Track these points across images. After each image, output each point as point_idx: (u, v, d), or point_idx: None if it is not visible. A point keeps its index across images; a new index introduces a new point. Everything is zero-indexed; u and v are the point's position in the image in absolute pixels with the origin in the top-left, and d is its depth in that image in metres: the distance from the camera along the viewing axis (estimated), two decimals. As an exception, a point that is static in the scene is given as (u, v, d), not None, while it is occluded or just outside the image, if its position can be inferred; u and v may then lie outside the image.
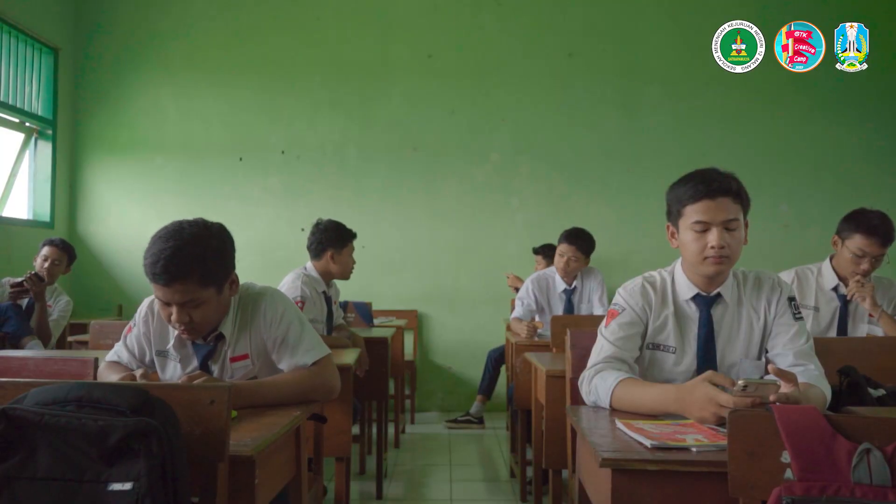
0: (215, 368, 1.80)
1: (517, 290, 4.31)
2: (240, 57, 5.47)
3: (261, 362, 1.84)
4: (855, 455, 1.07)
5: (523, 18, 5.49)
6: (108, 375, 1.83)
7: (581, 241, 3.84)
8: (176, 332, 1.78)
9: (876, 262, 2.70)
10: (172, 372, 1.84)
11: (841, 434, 1.10)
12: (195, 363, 1.81)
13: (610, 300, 2.13)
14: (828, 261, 2.85)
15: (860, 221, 2.69)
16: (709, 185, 1.64)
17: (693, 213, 1.65)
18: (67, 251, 3.93)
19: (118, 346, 1.91)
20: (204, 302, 1.66)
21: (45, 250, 3.87)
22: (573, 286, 3.94)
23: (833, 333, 2.78)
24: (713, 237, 1.63)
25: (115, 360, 1.89)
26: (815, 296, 2.81)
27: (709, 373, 1.45)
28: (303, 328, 1.84)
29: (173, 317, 1.66)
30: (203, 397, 1.24)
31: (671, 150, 5.35)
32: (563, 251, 3.83)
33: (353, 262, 3.31)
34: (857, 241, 2.68)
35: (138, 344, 1.88)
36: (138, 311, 1.90)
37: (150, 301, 1.87)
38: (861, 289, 2.68)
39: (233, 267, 1.74)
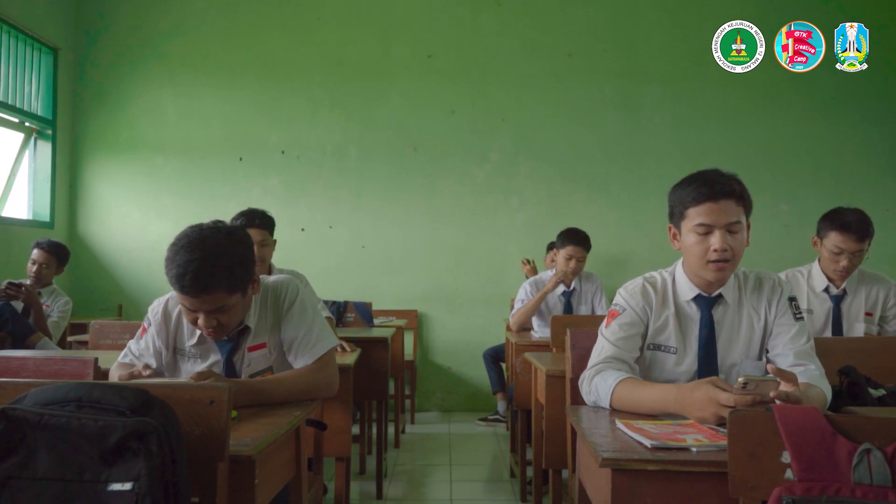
0: (237, 360, 1.81)
1: (527, 277, 4.45)
2: (240, 57, 5.47)
3: (277, 352, 1.85)
4: (855, 455, 1.07)
5: (523, 19, 5.49)
6: (117, 377, 1.79)
7: (587, 241, 3.86)
8: (197, 332, 1.78)
9: (854, 259, 2.69)
10: (191, 368, 1.81)
11: (841, 434, 1.10)
12: (217, 357, 1.80)
13: (610, 301, 2.13)
14: (816, 262, 2.86)
15: (834, 219, 2.71)
16: (711, 187, 1.64)
17: (696, 215, 1.65)
18: (56, 253, 3.84)
19: (131, 344, 1.88)
20: (231, 307, 1.67)
21: (34, 253, 3.81)
22: (571, 288, 3.95)
23: (828, 334, 2.77)
24: (716, 240, 1.62)
25: (126, 362, 1.85)
26: (808, 298, 2.81)
27: (713, 378, 1.45)
28: (314, 324, 1.84)
29: (200, 322, 1.66)
30: (203, 397, 1.24)
31: (671, 150, 5.35)
32: (572, 253, 3.82)
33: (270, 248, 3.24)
34: (832, 239, 2.69)
35: (153, 344, 1.84)
36: (151, 311, 1.86)
37: (163, 301, 1.85)
38: None
39: (254, 269, 1.74)
